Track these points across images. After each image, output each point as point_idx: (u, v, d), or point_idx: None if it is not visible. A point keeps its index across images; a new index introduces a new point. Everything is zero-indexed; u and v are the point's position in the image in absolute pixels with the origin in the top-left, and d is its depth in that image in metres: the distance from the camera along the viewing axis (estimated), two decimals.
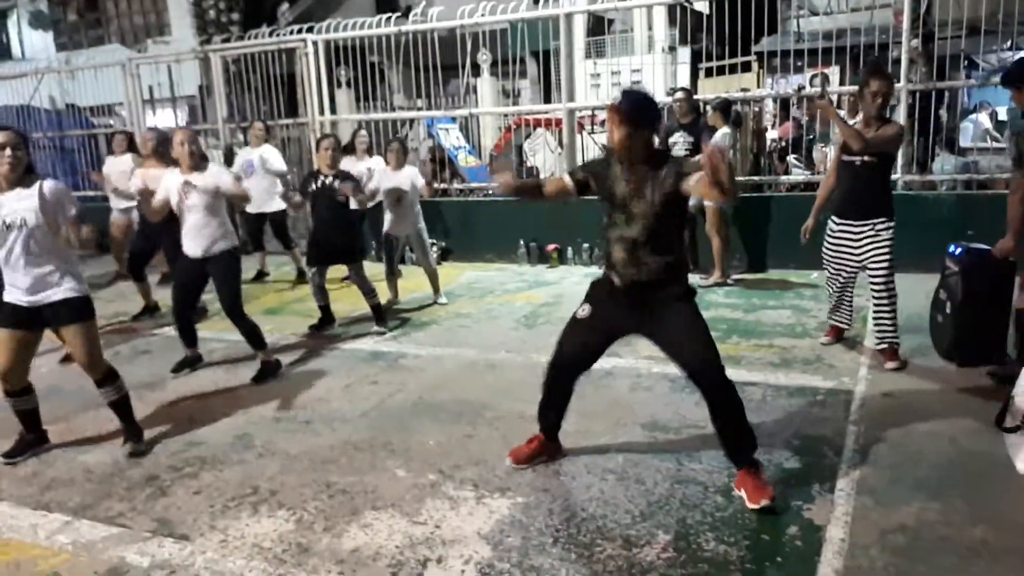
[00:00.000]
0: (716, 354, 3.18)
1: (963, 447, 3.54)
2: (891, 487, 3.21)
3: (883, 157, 4.62)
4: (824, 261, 4.99)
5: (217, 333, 5.89)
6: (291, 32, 9.69)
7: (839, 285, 5.00)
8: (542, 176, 9.79)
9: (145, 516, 3.30)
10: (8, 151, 3.59)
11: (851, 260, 4.81)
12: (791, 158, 9.02)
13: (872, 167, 4.58)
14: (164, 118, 11.70)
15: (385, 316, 6.17)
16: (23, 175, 3.66)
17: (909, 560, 2.70)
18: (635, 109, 3.10)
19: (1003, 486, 3.19)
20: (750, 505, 3.10)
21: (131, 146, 8.39)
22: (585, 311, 3.37)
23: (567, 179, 3.44)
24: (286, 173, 8.15)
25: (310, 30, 9.53)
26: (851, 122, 7.61)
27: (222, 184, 4.87)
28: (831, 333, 5.24)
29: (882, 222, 4.64)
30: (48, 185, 3.69)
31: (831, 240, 4.90)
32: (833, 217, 4.89)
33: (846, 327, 5.23)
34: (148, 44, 13.26)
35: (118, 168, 8.04)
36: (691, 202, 7.44)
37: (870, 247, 4.67)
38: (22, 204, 3.63)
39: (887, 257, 4.66)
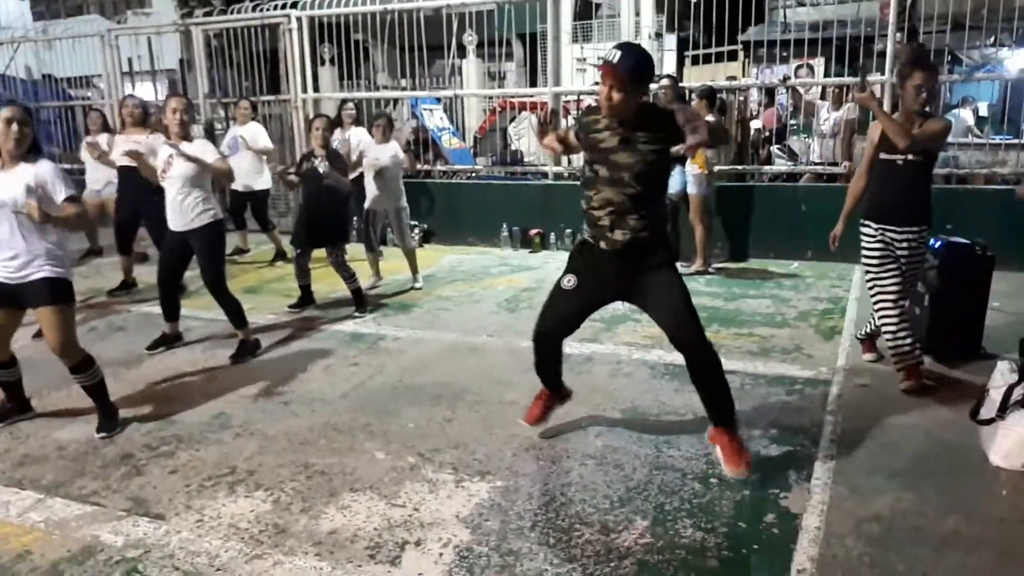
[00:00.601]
0: (696, 318, 3.21)
1: (938, 439, 3.58)
2: (867, 477, 3.25)
3: (927, 156, 4.16)
4: (871, 276, 4.27)
5: (194, 311, 5.82)
6: (275, 7, 9.54)
7: (896, 294, 4.20)
8: (527, 159, 9.77)
9: (119, 495, 3.26)
10: (15, 126, 3.55)
11: (897, 265, 4.23)
12: (774, 148, 9.05)
13: (916, 167, 4.12)
14: (143, 92, 11.48)
15: (365, 300, 6.13)
16: (27, 151, 3.63)
17: (883, 550, 2.73)
18: (634, 68, 2.98)
19: (976, 478, 3.24)
20: (726, 468, 3.18)
21: (105, 125, 8.25)
22: (571, 282, 3.35)
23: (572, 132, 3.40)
24: (273, 151, 8.08)
25: (294, 6, 9.39)
26: (836, 114, 7.58)
27: (207, 157, 4.78)
28: (912, 375, 4.16)
29: (925, 230, 4.20)
30: (42, 168, 3.64)
31: (874, 248, 4.23)
32: (868, 222, 4.29)
33: (919, 354, 4.22)
34: (128, 15, 12.97)
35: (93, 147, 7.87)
36: (674, 190, 7.50)
37: (907, 255, 4.19)
38: (17, 182, 3.58)
39: (919, 268, 4.33)
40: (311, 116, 7.25)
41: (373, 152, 6.54)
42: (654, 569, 2.66)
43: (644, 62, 3.05)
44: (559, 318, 3.43)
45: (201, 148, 4.84)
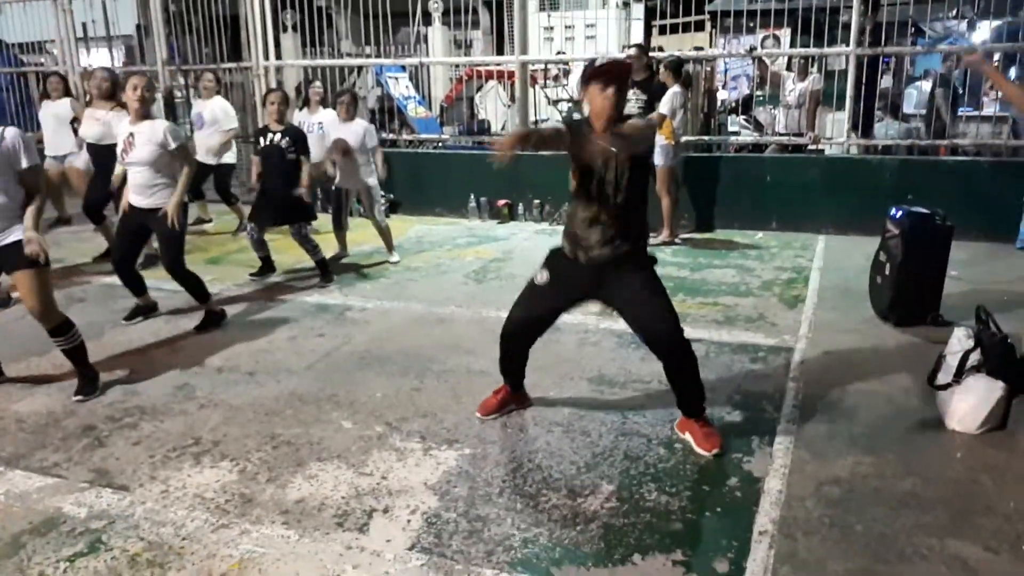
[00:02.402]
0: (674, 320, 3.21)
1: (897, 404, 3.67)
2: (828, 441, 3.32)
3: None
4: None
5: (157, 282, 5.71)
6: None
7: None
8: (495, 129, 9.70)
9: (82, 467, 3.22)
10: None
11: None
12: (740, 119, 9.10)
13: None
14: (99, 58, 11.17)
15: (330, 271, 6.07)
16: None
17: (843, 511, 2.79)
18: (620, 67, 3.07)
19: (933, 441, 3.32)
20: (704, 451, 3.21)
21: (67, 89, 8.02)
22: (543, 277, 3.35)
23: (562, 127, 3.33)
24: (238, 128, 7.90)
25: None
26: (801, 86, 7.62)
27: (167, 143, 4.60)
28: None
29: None
30: (8, 135, 3.59)
31: None
32: None
33: None
34: None
35: (54, 112, 7.63)
36: None
37: None
38: None
39: None
40: (267, 89, 7.07)
41: (336, 132, 6.40)
42: (619, 532, 2.70)
43: (621, 62, 3.18)
44: (530, 316, 3.44)
45: (162, 131, 4.60)
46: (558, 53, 9.92)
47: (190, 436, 3.48)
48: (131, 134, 4.62)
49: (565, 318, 4.79)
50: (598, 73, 3.03)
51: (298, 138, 5.85)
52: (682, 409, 3.35)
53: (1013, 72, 8.78)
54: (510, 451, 3.31)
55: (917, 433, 3.39)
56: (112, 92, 6.14)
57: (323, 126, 7.20)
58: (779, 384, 3.94)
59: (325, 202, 7.65)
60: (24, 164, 3.64)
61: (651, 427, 3.48)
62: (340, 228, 6.72)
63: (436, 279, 6.14)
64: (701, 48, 9.08)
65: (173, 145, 4.62)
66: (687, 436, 3.32)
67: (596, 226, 3.16)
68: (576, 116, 9.50)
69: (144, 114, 4.65)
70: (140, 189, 4.67)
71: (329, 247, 6.47)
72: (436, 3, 9.32)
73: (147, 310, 5.17)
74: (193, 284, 4.90)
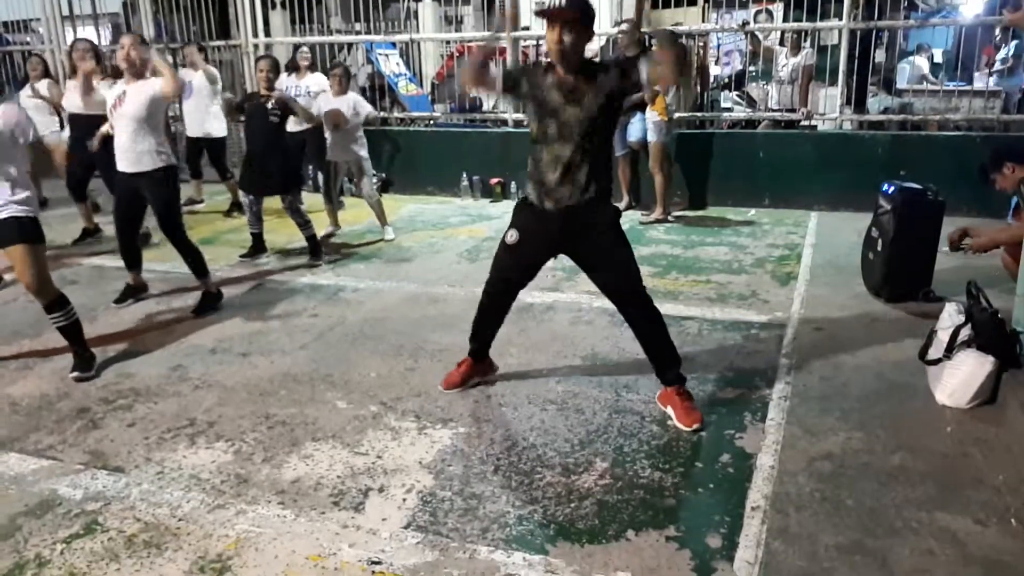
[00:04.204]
0: (637, 279, 3.25)
1: (888, 379, 3.69)
2: (819, 417, 3.34)
3: None
4: None
5: (149, 263, 5.68)
6: None
7: None
8: (487, 106, 9.64)
9: (77, 449, 3.22)
10: None
11: None
12: (733, 95, 9.06)
13: None
14: (85, 36, 11.03)
15: (320, 249, 6.03)
16: None
17: (834, 486, 2.82)
18: (582, 4, 3.01)
19: (923, 416, 3.35)
20: (680, 425, 3.24)
21: (47, 71, 7.92)
22: (513, 237, 3.35)
23: (499, 70, 3.34)
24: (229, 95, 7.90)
25: None
26: (794, 60, 7.58)
27: (156, 92, 4.54)
28: None
29: None
30: (3, 109, 3.62)
31: None
32: None
33: None
34: None
35: (33, 99, 7.52)
36: (634, 138, 7.48)
37: None
38: None
39: None
40: (256, 56, 7.02)
41: (328, 105, 6.37)
42: (613, 508, 2.72)
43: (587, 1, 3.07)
44: (505, 273, 3.46)
45: (152, 82, 4.56)
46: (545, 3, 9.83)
47: (184, 417, 3.48)
48: (124, 92, 4.59)
49: (558, 296, 4.83)
50: (541, 14, 3.03)
51: (284, 102, 5.80)
52: (660, 377, 3.38)
53: (1008, 47, 8.77)
54: (504, 429, 3.33)
55: (908, 408, 3.42)
56: (95, 63, 6.08)
57: (311, 91, 7.17)
58: (771, 361, 3.96)
59: (316, 179, 7.62)
60: (21, 143, 3.70)
61: (644, 404, 3.49)
62: (331, 202, 6.68)
63: (429, 258, 6.13)
64: (680, 23, 8.96)
65: (159, 89, 4.56)
66: (668, 410, 3.34)
67: (559, 167, 3.13)
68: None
69: (135, 74, 4.59)
70: (126, 151, 4.61)
71: (320, 225, 6.45)
72: None
73: (137, 291, 5.14)
74: (193, 255, 4.87)
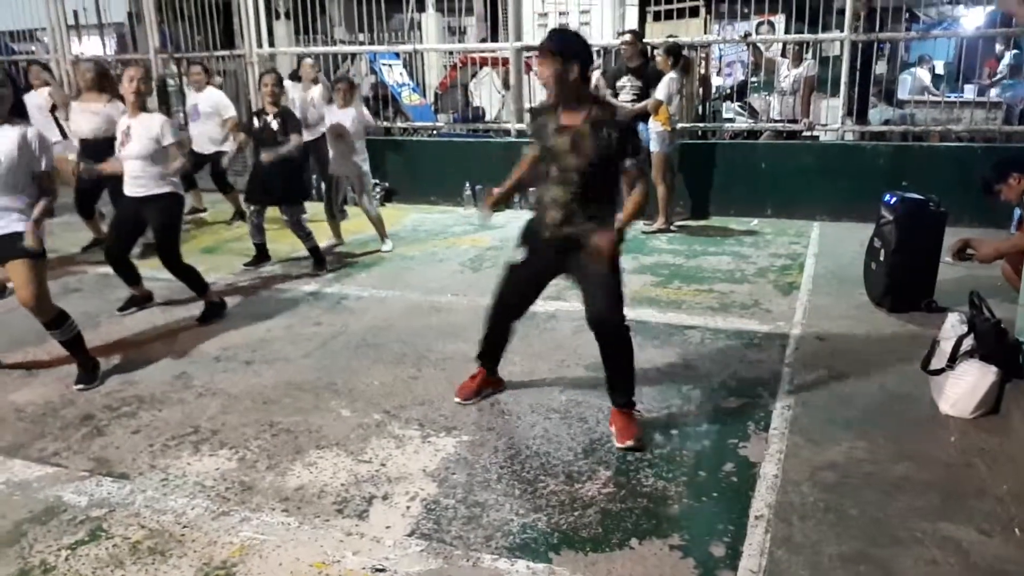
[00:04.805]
0: (618, 309, 3.21)
1: (891, 389, 3.70)
2: (822, 427, 3.34)
3: None
4: None
5: (153, 271, 5.69)
6: None
7: None
8: (489, 116, 9.68)
9: (81, 456, 3.23)
10: None
11: None
12: (735, 105, 9.09)
13: None
14: (91, 46, 11.10)
15: (324, 259, 6.06)
16: (7, 114, 3.64)
17: (838, 495, 2.82)
18: (559, 41, 3.10)
19: (926, 426, 3.35)
20: (618, 444, 3.21)
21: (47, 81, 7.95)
22: (520, 256, 3.39)
23: (530, 152, 3.41)
24: (235, 118, 7.88)
25: None
26: (796, 72, 7.60)
27: (163, 138, 4.60)
28: None
29: None
30: (31, 133, 3.66)
31: None
32: None
33: None
34: None
35: (36, 103, 7.50)
36: None
37: None
38: (4, 140, 3.59)
39: None
40: (261, 71, 7.05)
41: (332, 117, 6.40)
42: (617, 517, 2.73)
43: (569, 36, 3.19)
44: (512, 292, 3.48)
45: (160, 125, 4.61)
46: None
47: (189, 424, 3.49)
48: (128, 127, 4.62)
49: (560, 305, 4.83)
50: (536, 48, 3.11)
51: (290, 120, 5.83)
52: (612, 399, 3.34)
53: (1008, 56, 8.80)
54: (508, 437, 3.33)
55: (911, 418, 3.42)
56: (100, 83, 6.10)
57: (313, 100, 7.20)
58: (774, 370, 3.96)
59: (319, 189, 7.65)
60: (43, 167, 3.72)
61: (647, 413, 3.49)
62: (333, 216, 6.70)
63: (432, 267, 6.14)
64: (674, 36, 9.01)
65: (169, 141, 4.62)
66: (612, 429, 3.30)
67: (560, 208, 3.19)
68: None
69: (141, 106, 4.65)
70: (134, 179, 4.67)
71: (323, 237, 6.47)
72: None
73: (142, 300, 5.16)
74: (190, 276, 4.89)
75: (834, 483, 2.91)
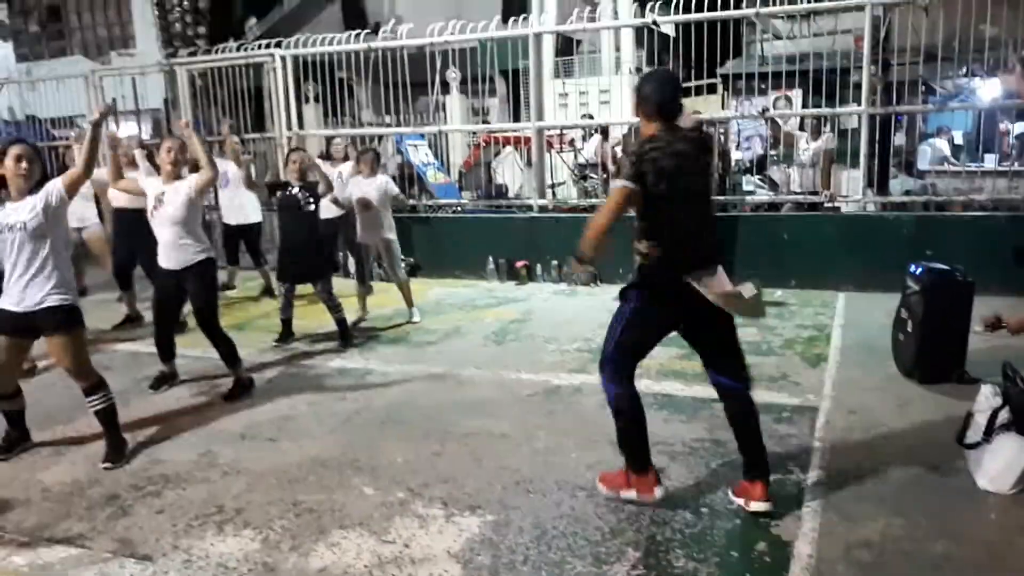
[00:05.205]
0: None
1: (925, 463, 3.60)
2: (856, 503, 3.26)
3: None
4: None
5: (181, 349, 5.78)
6: (259, 47, 9.64)
7: None
8: (511, 192, 9.83)
9: (106, 536, 3.22)
10: (24, 162, 3.74)
11: None
12: (755, 178, 9.17)
13: None
14: (128, 131, 11.52)
15: (350, 334, 6.12)
16: (35, 185, 3.80)
17: (875, 575, 2.73)
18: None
19: (964, 501, 3.25)
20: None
21: None
22: None
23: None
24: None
25: (278, 45, 9.49)
26: (815, 145, 7.69)
27: (191, 190, 4.75)
28: None
29: None
30: (49, 185, 3.80)
31: None
32: None
33: None
34: (112, 56, 13.06)
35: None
36: None
37: None
38: (26, 208, 3.74)
39: None
40: (289, 148, 7.29)
41: (359, 188, 6.57)
42: None
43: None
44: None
45: (188, 180, 4.80)
46: (585, 116, 10.10)
47: (213, 504, 3.48)
48: (162, 192, 4.79)
49: (585, 379, 4.80)
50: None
51: (314, 190, 5.95)
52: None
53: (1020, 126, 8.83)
54: (533, 517, 3.27)
55: (948, 494, 3.32)
56: (134, 158, 6.37)
57: (342, 176, 7.38)
58: (804, 444, 3.89)
59: (346, 261, 7.79)
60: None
61: (675, 490, 3.43)
62: (364, 284, 6.78)
63: (456, 341, 6.16)
64: (699, 112, 9.18)
65: (193, 185, 4.77)
66: (740, 500, 3.24)
67: None
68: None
69: (176, 175, 4.83)
70: (168, 249, 4.81)
71: (350, 311, 6.53)
72: (454, 73, 9.56)
73: (172, 377, 5.22)
74: (227, 345, 4.96)
75: (871, 562, 2.82)
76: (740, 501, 3.24)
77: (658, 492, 3.26)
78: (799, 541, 2.98)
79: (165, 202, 4.74)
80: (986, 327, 4.28)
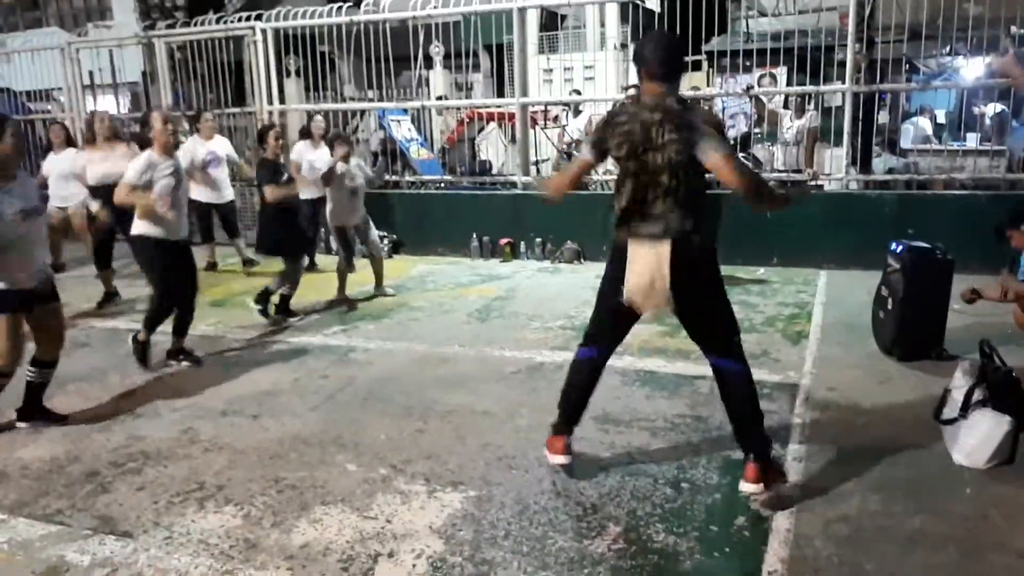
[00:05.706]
0: None
1: (903, 439, 3.65)
2: (835, 479, 3.29)
3: None
4: None
5: (161, 327, 5.74)
6: (239, 19, 9.49)
7: None
8: (495, 169, 9.78)
9: (85, 513, 3.20)
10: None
11: None
12: (739, 156, 9.16)
13: None
14: (105, 104, 11.34)
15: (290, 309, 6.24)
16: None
17: (852, 549, 2.77)
18: None
19: (940, 477, 3.30)
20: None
21: (69, 139, 8.12)
22: None
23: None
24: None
25: (259, 18, 9.34)
26: (799, 123, 7.69)
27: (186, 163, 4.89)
28: None
29: None
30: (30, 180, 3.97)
31: None
32: None
33: None
34: (88, 28, 12.80)
35: (59, 167, 7.64)
36: None
37: None
38: (29, 192, 3.83)
39: None
40: (266, 125, 7.24)
41: (350, 172, 6.52)
42: (627, 574, 2.67)
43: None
44: None
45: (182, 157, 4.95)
46: (573, 92, 10.05)
47: (194, 480, 3.46)
48: (174, 169, 4.87)
49: (568, 356, 4.79)
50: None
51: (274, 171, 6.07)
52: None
53: (992, 107, 8.87)
54: (515, 493, 3.29)
55: (924, 469, 3.37)
56: (117, 131, 6.29)
57: (314, 165, 7.37)
58: (784, 421, 3.92)
59: (328, 242, 7.76)
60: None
61: (657, 466, 3.45)
62: (351, 266, 6.78)
63: (439, 318, 6.15)
64: (697, 88, 9.18)
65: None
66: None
67: None
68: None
69: (171, 151, 4.91)
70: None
71: (330, 291, 6.52)
72: (437, 47, 9.47)
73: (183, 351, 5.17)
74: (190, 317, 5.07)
75: (848, 537, 2.85)
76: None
77: (559, 459, 3.31)
78: (778, 516, 3.01)
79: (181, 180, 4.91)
80: (965, 300, 4.34)
